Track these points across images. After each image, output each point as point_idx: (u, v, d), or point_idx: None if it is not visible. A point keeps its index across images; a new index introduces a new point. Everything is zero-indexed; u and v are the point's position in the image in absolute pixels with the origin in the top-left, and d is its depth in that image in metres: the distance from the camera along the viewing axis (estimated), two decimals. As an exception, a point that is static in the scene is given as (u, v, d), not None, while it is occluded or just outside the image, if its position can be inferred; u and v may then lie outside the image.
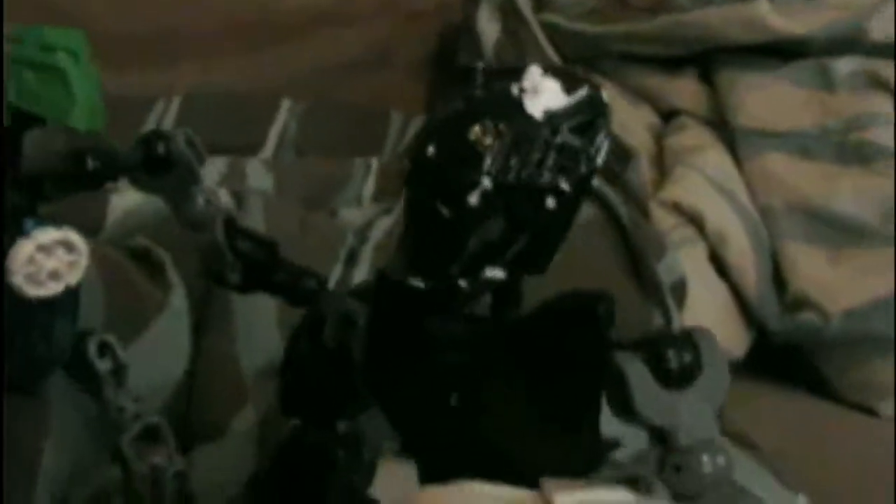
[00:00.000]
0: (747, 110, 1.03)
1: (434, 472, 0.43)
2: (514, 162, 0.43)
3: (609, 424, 0.45)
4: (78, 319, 0.56)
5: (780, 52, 1.05)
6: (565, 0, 1.17)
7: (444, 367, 0.46)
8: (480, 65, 0.45)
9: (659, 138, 1.06)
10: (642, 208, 0.96)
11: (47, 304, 0.53)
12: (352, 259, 0.87)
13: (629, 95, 1.07)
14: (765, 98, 1.03)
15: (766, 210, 0.97)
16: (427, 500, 0.41)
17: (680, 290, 0.90)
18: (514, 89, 0.44)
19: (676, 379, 0.45)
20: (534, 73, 0.44)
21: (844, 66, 1.03)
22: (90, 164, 0.54)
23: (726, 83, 1.05)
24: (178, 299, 0.77)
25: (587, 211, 0.95)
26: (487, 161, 0.42)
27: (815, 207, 0.97)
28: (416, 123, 1.17)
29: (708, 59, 1.07)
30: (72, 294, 0.54)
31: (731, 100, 1.04)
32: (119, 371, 0.58)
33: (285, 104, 1.13)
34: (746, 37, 1.03)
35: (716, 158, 1.00)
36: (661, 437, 0.44)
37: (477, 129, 0.43)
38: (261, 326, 0.77)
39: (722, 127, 1.04)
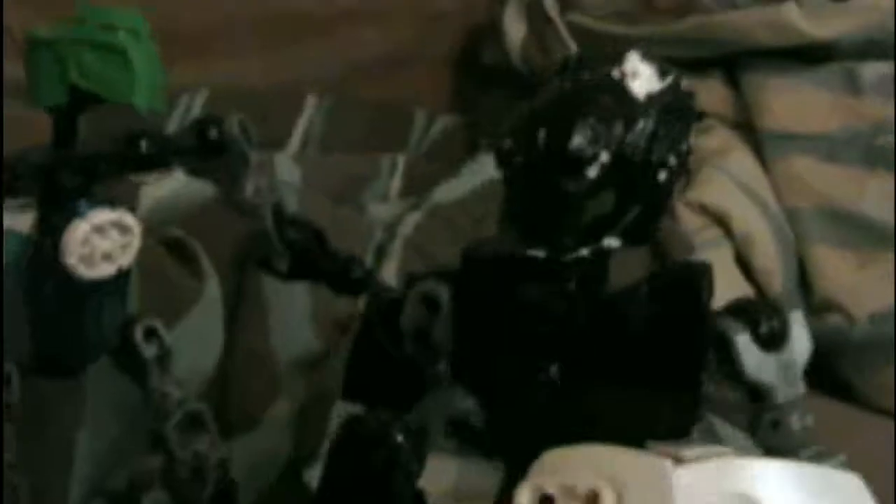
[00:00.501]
0: (774, 113, 1.02)
1: (524, 450, 0.43)
2: (630, 139, 0.45)
3: None
4: (128, 303, 0.56)
5: (807, 56, 1.04)
6: (592, 1, 1.16)
7: (544, 339, 0.47)
8: (577, 52, 0.47)
9: (685, 141, 1.05)
10: (669, 209, 0.96)
11: (99, 285, 0.53)
12: (380, 254, 0.87)
13: (655, 97, 1.07)
14: (792, 101, 1.02)
15: (793, 213, 0.97)
16: (556, 458, 0.41)
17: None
18: (616, 73, 0.47)
19: (769, 342, 0.47)
20: (633, 59, 0.47)
21: (872, 70, 1.03)
22: (144, 147, 0.54)
23: (753, 86, 1.05)
24: (212, 290, 0.77)
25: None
26: (605, 138, 0.45)
27: (842, 211, 0.97)
28: (441, 121, 1.17)
29: (734, 62, 1.07)
30: (123, 277, 0.54)
31: (757, 102, 1.04)
32: (164, 357, 0.58)
33: (310, 101, 1.13)
34: (774, 40, 1.03)
35: (742, 160, 1.00)
36: (757, 396, 0.47)
37: (593, 107, 0.46)
38: (294, 319, 0.77)
39: (748, 129, 1.04)
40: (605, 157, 0.45)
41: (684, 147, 0.47)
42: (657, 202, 0.47)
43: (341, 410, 0.52)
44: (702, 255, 0.93)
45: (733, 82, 1.08)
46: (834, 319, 0.93)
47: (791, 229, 0.97)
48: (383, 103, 1.19)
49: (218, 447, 0.59)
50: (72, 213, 0.52)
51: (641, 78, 0.46)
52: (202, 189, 0.84)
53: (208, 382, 0.74)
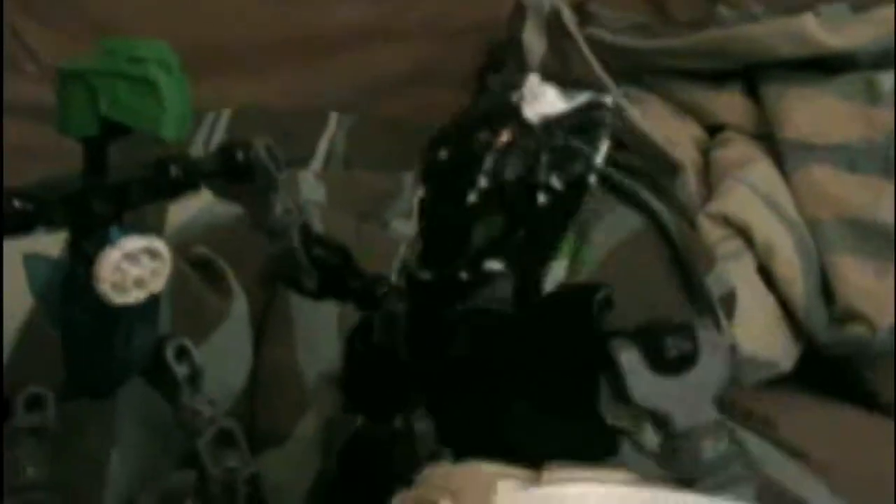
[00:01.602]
0: (794, 124, 1.03)
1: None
2: (509, 162, 0.46)
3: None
4: (158, 325, 0.57)
5: (825, 66, 1.05)
6: (610, 14, 1.17)
7: (463, 356, 0.48)
8: (491, 74, 0.48)
9: (705, 152, 1.06)
10: (690, 221, 0.97)
11: (130, 311, 0.54)
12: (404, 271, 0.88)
13: (674, 110, 1.08)
14: (811, 112, 1.03)
15: (814, 222, 0.97)
16: (437, 474, 0.43)
17: (729, 301, 0.91)
18: (514, 97, 0.48)
19: (673, 367, 0.46)
20: (532, 82, 0.48)
21: (890, 80, 1.04)
22: (173, 172, 0.55)
23: (772, 97, 1.06)
24: (240, 308, 0.78)
25: (636, 223, 0.96)
26: (486, 163, 0.46)
27: (862, 220, 0.97)
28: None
29: (753, 73, 1.07)
30: (154, 301, 0.55)
31: (777, 113, 1.04)
32: (195, 375, 0.59)
33: (333, 118, 1.14)
34: (793, 51, 1.04)
35: (763, 171, 1.01)
36: (659, 422, 0.46)
37: (477, 133, 0.47)
38: (321, 334, 0.78)
39: (768, 140, 1.04)
40: (483, 182, 0.46)
41: (578, 168, 0.47)
42: (545, 224, 0.47)
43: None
44: (724, 266, 0.93)
45: (753, 94, 1.08)
46: (856, 328, 0.93)
47: (812, 239, 0.97)
48: (405, 121, 1.19)
49: (248, 463, 0.60)
50: (104, 241, 0.53)
51: (539, 101, 0.47)
52: (228, 208, 0.85)
53: (237, 399, 0.75)
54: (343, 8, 1.19)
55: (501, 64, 1.16)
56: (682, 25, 1.13)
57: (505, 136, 0.46)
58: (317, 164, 1.10)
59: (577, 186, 0.46)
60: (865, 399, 0.94)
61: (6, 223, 0.51)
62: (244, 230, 0.84)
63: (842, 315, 0.94)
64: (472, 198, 0.46)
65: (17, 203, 0.51)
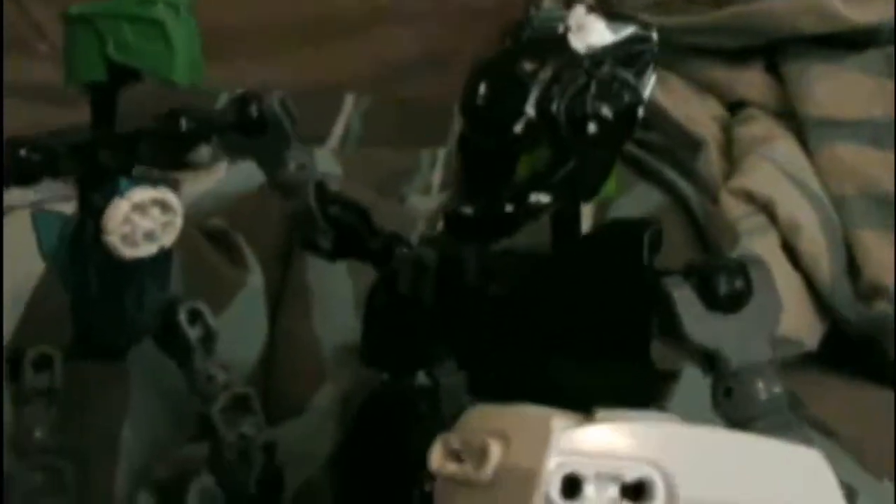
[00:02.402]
0: (816, 100, 1.02)
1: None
2: (555, 92, 0.44)
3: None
4: (170, 284, 0.56)
5: (847, 41, 1.03)
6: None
7: (501, 301, 0.46)
8: (533, 11, 0.47)
9: (727, 129, 1.05)
10: (713, 197, 0.96)
11: (141, 265, 0.53)
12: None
13: (695, 87, 1.07)
14: (834, 87, 1.02)
15: (839, 199, 0.96)
16: (480, 416, 0.41)
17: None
18: (560, 27, 0.46)
19: (726, 304, 0.44)
20: (578, 12, 0.47)
21: (915, 54, 1.02)
22: (184, 124, 0.54)
23: (794, 73, 1.04)
24: (256, 279, 0.77)
25: (658, 199, 0.94)
26: (532, 92, 0.44)
27: (887, 195, 0.96)
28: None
29: (774, 50, 1.06)
30: (165, 256, 0.54)
31: (799, 90, 1.03)
32: (209, 339, 0.58)
33: (349, 99, 1.13)
34: (816, 27, 1.02)
35: (786, 147, 0.99)
36: (711, 363, 0.44)
37: (522, 63, 0.45)
38: (338, 306, 0.77)
39: (791, 117, 1.03)
40: (530, 111, 0.44)
41: (626, 99, 0.45)
42: (593, 156, 0.46)
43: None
44: (747, 243, 0.92)
45: (774, 70, 1.07)
46: (882, 305, 0.92)
47: (837, 216, 0.96)
48: (421, 102, 1.18)
49: (264, 430, 0.58)
50: (112, 192, 0.52)
51: (585, 31, 0.46)
52: (242, 182, 0.84)
53: (253, 370, 0.74)
54: (356, -11, 1.18)
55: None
56: (703, 2, 1.12)
57: (552, 66, 0.44)
58: (332, 145, 1.09)
59: (625, 118, 0.45)
60: (892, 377, 0.92)
61: (12, 173, 0.49)
62: (258, 204, 0.83)
63: (867, 291, 0.92)
64: (518, 128, 0.43)
65: (22, 152, 0.49)
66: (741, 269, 0.44)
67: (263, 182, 0.83)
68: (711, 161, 0.99)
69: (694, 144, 0.98)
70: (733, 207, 0.95)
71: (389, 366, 0.52)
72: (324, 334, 0.75)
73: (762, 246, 0.93)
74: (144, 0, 0.50)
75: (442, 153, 1.03)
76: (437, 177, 1.00)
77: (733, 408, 0.44)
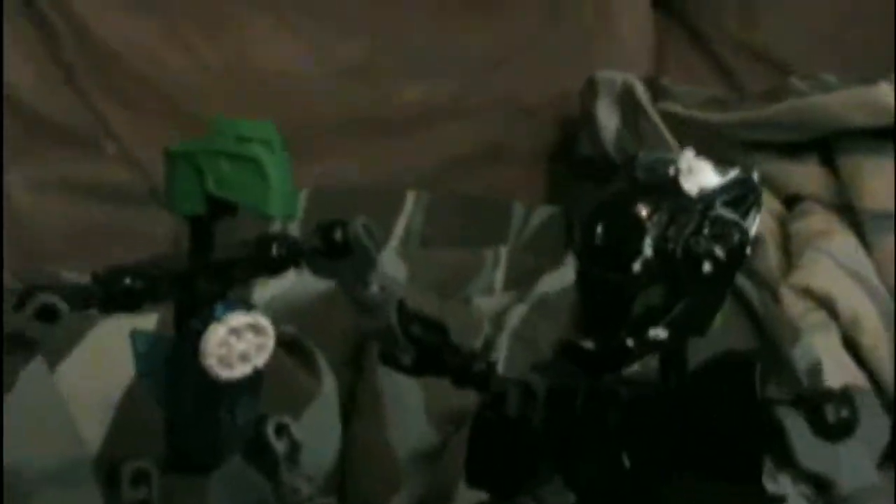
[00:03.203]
0: (872, 193, 1.03)
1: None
2: (672, 232, 0.47)
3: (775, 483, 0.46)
4: (260, 401, 0.57)
5: (900, 134, 1.05)
6: (683, 89, 1.18)
7: (614, 427, 0.49)
8: (640, 154, 0.49)
9: (783, 224, 1.05)
10: (773, 294, 0.96)
11: (235, 385, 0.55)
12: (489, 347, 0.88)
13: (751, 182, 1.07)
14: (889, 180, 1.03)
15: (898, 292, 0.97)
16: None
17: (816, 374, 0.90)
18: (671, 170, 0.49)
19: (835, 432, 0.47)
20: (688, 156, 0.50)
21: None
22: (275, 250, 0.56)
23: (849, 167, 1.06)
24: (329, 387, 0.78)
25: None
26: (649, 232, 0.47)
27: (947, 288, 0.97)
28: (539, 213, 1.18)
29: (829, 144, 1.07)
30: (257, 376, 0.55)
31: (855, 183, 1.04)
32: (294, 452, 0.60)
33: (410, 197, 1.15)
34: (868, 120, 1.04)
35: (844, 242, 1.00)
36: (823, 486, 0.46)
37: (639, 205, 0.48)
38: (410, 414, 0.78)
39: (847, 211, 1.04)
40: (648, 251, 0.47)
41: (736, 238, 0.48)
42: (707, 293, 0.48)
43: (466, 497, 0.53)
44: (809, 339, 0.93)
45: (829, 164, 1.08)
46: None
47: (897, 308, 0.97)
48: (481, 197, 1.20)
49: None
50: (210, 317, 0.54)
51: (695, 174, 0.49)
52: (312, 287, 0.86)
53: (328, 477, 0.75)
54: (413, 86, 1.20)
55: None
56: (756, 97, 1.13)
57: (667, 208, 0.47)
58: (395, 243, 1.10)
59: (735, 257, 0.48)
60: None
61: (116, 300, 0.51)
62: (326, 310, 0.85)
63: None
64: (637, 267, 0.47)
65: (127, 280, 0.51)
66: (848, 397, 0.47)
67: (330, 289, 0.86)
68: (769, 257, 1.00)
69: (752, 240, 0.99)
70: (793, 303, 0.96)
71: (494, 486, 0.53)
72: (396, 441, 0.77)
73: (823, 341, 0.94)
74: (242, 138, 0.52)
75: (504, 252, 1.05)
76: (499, 276, 1.02)
77: None
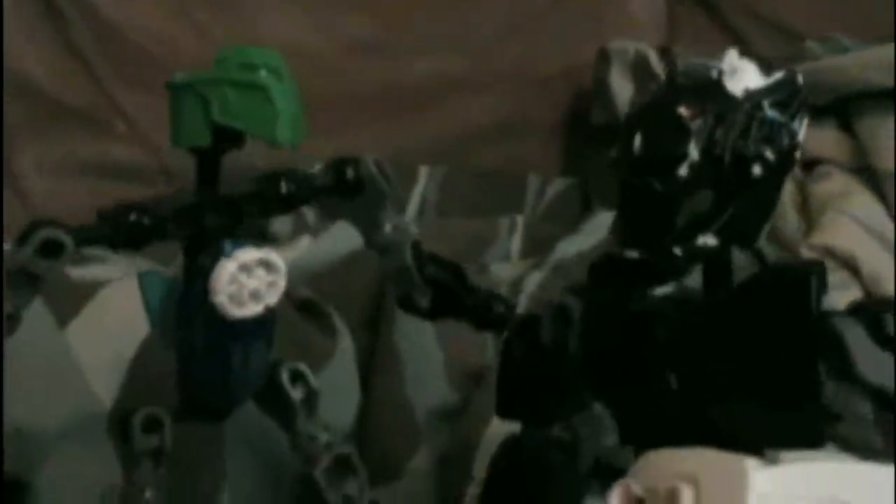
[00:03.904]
0: (890, 153, 1.01)
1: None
2: (719, 135, 0.45)
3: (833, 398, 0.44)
4: (273, 344, 0.56)
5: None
6: (696, 58, 1.16)
7: (660, 346, 0.46)
8: (678, 56, 0.47)
9: (802, 187, 1.04)
10: (794, 255, 0.95)
11: (247, 325, 0.54)
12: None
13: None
14: (909, 141, 1.01)
15: (920, 250, 0.95)
16: (663, 460, 0.41)
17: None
18: (714, 72, 0.47)
19: (893, 342, 0.44)
20: (732, 56, 0.47)
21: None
22: (284, 186, 0.55)
23: (867, 129, 1.04)
24: (346, 346, 0.77)
25: (739, 259, 0.94)
26: (694, 135, 0.45)
27: (970, 245, 0.95)
28: (555, 184, 1.17)
29: (846, 107, 1.06)
30: (270, 317, 0.54)
31: (873, 145, 1.03)
32: (311, 399, 0.58)
33: (423, 171, 1.14)
34: (885, 80, 1.02)
35: (864, 202, 0.99)
36: (885, 400, 0.44)
37: (682, 108, 0.46)
38: (428, 370, 0.77)
39: (866, 172, 1.02)
40: (694, 154, 0.45)
41: (786, 141, 0.46)
42: (756, 198, 0.46)
43: (497, 429, 0.51)
44: (830, 299, 0.91)
45: (847, 127, 1.07)
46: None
47: (920, 266, 0.95)
48: (496, 170, 1.19)
49: (367, 491, 0.59)
50: (219, 253, 0.53)
51: (740, 74, 0.46)
52: (326, 253, 0.85)
53: (348, 436, 0.74)
54: (425, 60, 1.19)
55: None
56: (771, 62, 1.12)
57: (712, 110, 0.45)
58: (410, 215, 1.10)
59: (785, 160, 0.46)
60: None
61: (123, 236, 0.50)
62: (343, 274, 0.84)
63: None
64: (683, 171, 0.45)
65: (132, 216, 0.50)
66: None
67: (346, 253, 0.85)
68: (789, 217, 0.99)
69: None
70: (815, 264, 0.95)
71: (526, 417, 0.52)
72: (416, 398, 0.76)
73: (846, 301, 0.93)
74: (246, 65, 0.51)
75: (520, 220, 1.04)
76: (515, 245, 1.01)
77: None
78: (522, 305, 0.87)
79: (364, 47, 1.18)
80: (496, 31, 1.22)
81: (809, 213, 1.02)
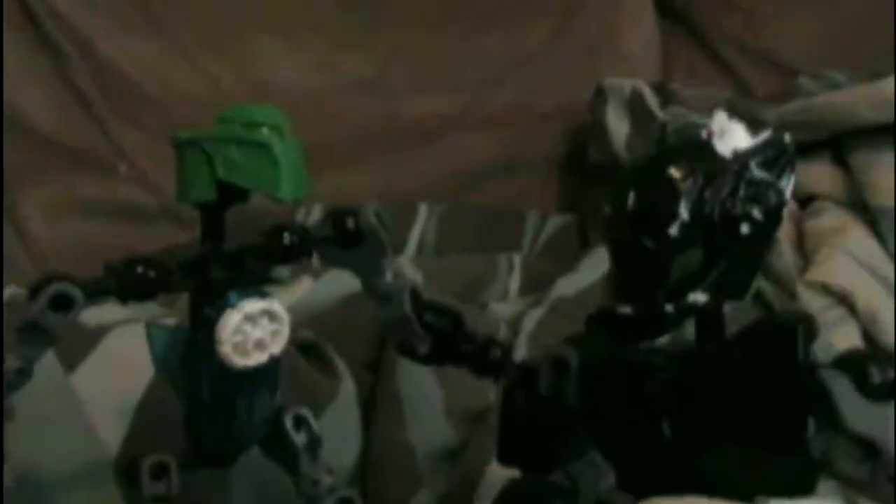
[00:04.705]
0: (885, 189, 1.02)
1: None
2: (708, 195, 0.47)
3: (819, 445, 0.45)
4: (277, 391, 0.57)
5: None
6: (691, 93, 1.18)
7: (654, 396, 0.48)
8: (667, 118, 0.49)
9: (797, 223, 1.05)
10: (790, 292, 0.96)
11: (252, 374, 0.55)
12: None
13: (763, 183, 1.07)
14: (902, 175, 1.02)
15: (915, 285, 0.96)
16: None
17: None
18: (703, 133, 0.49)
19: (882, 392, 0.46)
20: (721, 118, 0.49)
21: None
22: (287, 238, 0.56)
23: (861, 164, 1.05)
24: (348, 388, 0.78)
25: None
26: (684, 196, 0.47)
27: (964, 283, 0.96)
28: (552, 221, 1.18)
29: (840, 142, 1.07)
30: (274, 365, 0.55)
31: (868, 180, 1.04)
32: (313, 444, 0.59)
33: (422, 209, 1.15)
34: (877, 117, 1.03)
35: (859, 238, 1.00)
36: (871, 450, 0.45)
37: (673, 169, 0.47)
38: (429, 413, 0.78)
39: (860, 207, 1.03)
40: (685, 214, 0.47)
41: (773, 200, 0.48)
42: (745, 254, 0.48)
43: (497, 471, 0.53)
44: (828, 336, 0.92)
45: (841, 162, 1.08)
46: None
47: (914, 302, 0.96)
48: (494, 207, 1.20)
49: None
50: (224, 304, 0.54)
51: (729, 136, 0.48)
52: (327, 295, 0.86)
53: (349, 478, 0.75)
54: (423, 99, 1.21)
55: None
56: (766, 99, 1.13)
57: (701, 171, 0.47)
58: (409, 253, 1.11)
59: (772, 218, 0.48)
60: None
61: (130, 289, 0.51)
62: (345, 315, 0.85)
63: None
64: (673, 231, 0.46)
65: (139, 269, 0.51)
66: (889, 358, 0.46)
67: (347, 294, 0.86)
68: (785, 255, 1.00)
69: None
70: (811, 300, 0.96)
71: (526, 464, 0.53)
72: (416, 440, 0.77)
73: (842, 337, 0.94)
74: (250, 124, 0.52)
75: (518, 258, 1.05)
76: (514, 283, 1.01)
77: (891, 496, 0.45)
78: (522, 343, 0.88)
79: (363, 86, 1.19)
80: (493, 70, 1.23)
81: (805, 250, 1.02)
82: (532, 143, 1.23)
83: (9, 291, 0.92)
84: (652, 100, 1.15)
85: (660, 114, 1.14)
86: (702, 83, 1.23)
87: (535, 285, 0.99)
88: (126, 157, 1.12)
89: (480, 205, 1.18)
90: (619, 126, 1.16)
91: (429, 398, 0.78)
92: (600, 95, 1.18)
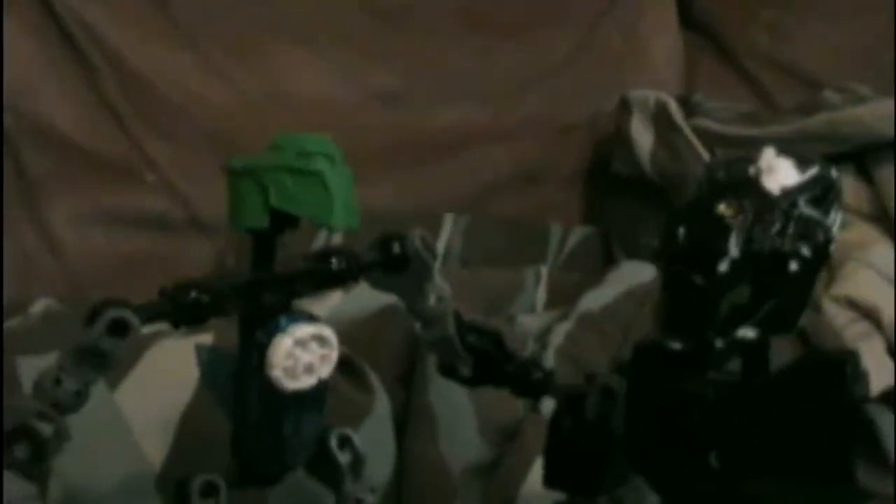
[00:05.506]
0: (909, 202, 1.03)
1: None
2: (757, 232, 0.47)
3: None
4: (325, 412, 0.58)
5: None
6: (715, 105, 1.19)
7: (703, 428, 0.49)
8: (716, 157, 0.50)
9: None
10: (815, 306, 0.97)
11: (301, 397, 0.56)
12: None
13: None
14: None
15: (941, 299, 0.97)
16: None
17: (863, 385, 0.90)
18: (752, 170, 0.49)
19: None
20: (769, 154, 0.49)
21: None
22: (336, 263, 0.57)
23: (885, 178, 1.06)
24: (382, 404, 0.79)
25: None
26: (733, 233, 0.47)
27: None
28: (576, 233, 1.19)
29: (864, 156, 1.08)
30: (322, 387, 0.56)
31: (891, 194, 1.04)
32: (357, 463, 0.60)
33: (448, 220, 1.16)
34: (899, 130, 1.04)
35: (883, 251, 1.01)
36: None
37: (723, 206, 0.48)
38: (462, 428, 0.79)
39: (884, 220, 1.04)
40: (734, 251, 0.47)
41: (822, 236, 0.48)
42: (794, 292, 0.49)
43: (533, 487, 0.53)
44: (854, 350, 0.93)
45: (865, 176, 1.08)
46: None
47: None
48: (519, 219, 1.21)
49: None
50: (275, 329, 0.55)
51: (776, 173, 0.49)
52: (358, 308, 0.87)
53: (384, 494, 0.76)
54: (448, 110, 1.21)
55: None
56: (790, 112, 1.14)
57: (750, 208, 0.47)
58: (435, 265, 1.11)
59: (820, 254, 0.48)
60: None
61: (184, 313, 0.52)
62: (378, 328, 0.86)
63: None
64: (723, 267, 0.47)
65: (192, 294, 0.52)
66: None
67: (377, 308, 0.87)
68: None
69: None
70: (836, 314, 0.97)
71: (573, 488, 0.54)
72: (450, 455, 0.77)
73: (868, 352, 0.94)
74: (303, 153, 0.53)
75: (545, 271, 1.05)
76: (541, 295, 1.02)
77: None
78: (550, 357, 0.89)
79: (388, 98, 1.20)
80: (518, 81, 1.24)
81: (830, 264, 1.03)
82: (555, 155, 1.24)
83: (42, 303, 0.93)
84: (676, 112, 1.16)
85: (684, 125, 1.15)
86: (725, 95, 1.24)
87: (560, 298, 1.00)
88: (154, 167, 1.13)
89: (505, 217, 1.19)
90: (643, 138, 1.17)
91: (462, 414, 0.78)
92: (624, 107, 1.19)
